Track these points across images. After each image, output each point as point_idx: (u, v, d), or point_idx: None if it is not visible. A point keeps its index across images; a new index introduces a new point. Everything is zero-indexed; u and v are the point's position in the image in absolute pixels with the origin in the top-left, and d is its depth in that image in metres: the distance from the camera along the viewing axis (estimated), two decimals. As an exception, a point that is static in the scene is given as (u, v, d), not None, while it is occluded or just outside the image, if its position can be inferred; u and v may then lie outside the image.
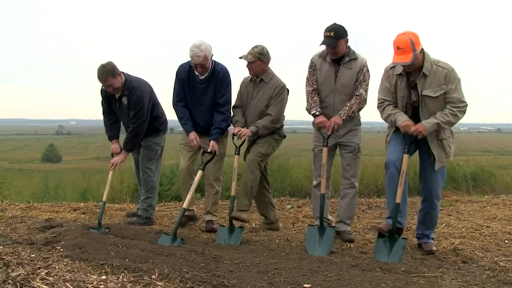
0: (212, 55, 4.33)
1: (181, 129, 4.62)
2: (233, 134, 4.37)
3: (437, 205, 3.89)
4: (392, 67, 3.77)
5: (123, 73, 4.53)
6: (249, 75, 4.46)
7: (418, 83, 3.66)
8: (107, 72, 4.39)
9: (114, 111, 4.72)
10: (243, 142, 4.40)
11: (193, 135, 4.40)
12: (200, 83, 4.39)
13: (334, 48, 4.00)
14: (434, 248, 3.83)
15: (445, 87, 3.59)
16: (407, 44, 3.48)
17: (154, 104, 4.68)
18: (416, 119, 3.70)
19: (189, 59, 4.33)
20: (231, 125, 4.54)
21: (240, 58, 4.35)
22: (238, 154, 4.37)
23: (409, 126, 3.61)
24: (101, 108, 4.80)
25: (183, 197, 4.60)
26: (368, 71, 4.12)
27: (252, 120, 4.40)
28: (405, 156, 3.65)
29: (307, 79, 4.25)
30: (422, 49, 3.60)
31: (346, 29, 4.04)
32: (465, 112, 3.65)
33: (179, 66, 4.50)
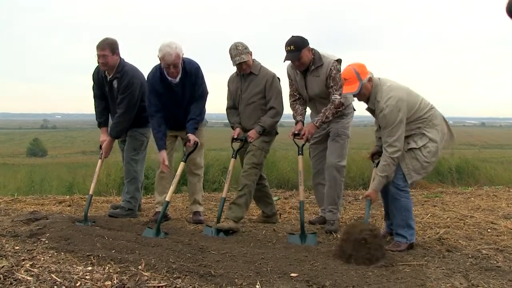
0: (183, 54, 4.15)
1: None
2: (234, 138, 4.33)
3: (399, 195, 3.63)
4: None
5: (121, 58, 4.47)
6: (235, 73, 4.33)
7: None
8: (108, 43, 4.37)
9: (105, 96, 4.66)
10: (241, 147, 4.35)
11: (164, 154, 4.24)
12: (176, 86, 4.23)
13: (299, 60, 3.97)
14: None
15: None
16: (352, 75, 3.56)
17: (144, 95, 4.55)
18: None
19: (152, 65, 4.25)
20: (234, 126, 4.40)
21: (235, 65, 4.15)
22: (235, 158, 4.35)
23: None
24: (92, 92, 4.75)
25: (157, 189, 4.60)
26: (337, 72, 4.00)
27: (246, 116, 4.29)
28: None
29: (289, 90, 4.32)
30: (370, 78, 3.58)
31: (305, 38, 3.99)
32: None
33: (149, 75, 4.27)
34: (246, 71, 4.21)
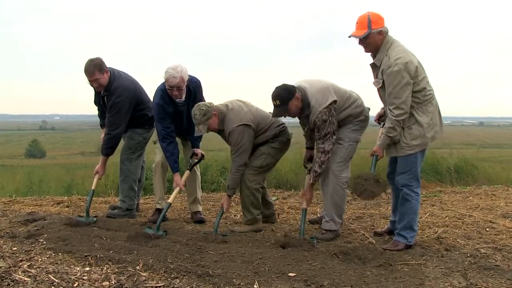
0: (187, 77, 4.18)
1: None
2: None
3: (411, 196, 3.65)
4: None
5: (110, 70, 4.44)
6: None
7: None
8: (95, 65, 4.30)
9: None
10: None
11: (178, 177, 4.25)
12: (182, 105, 4.30)
13: (287, 112, 3.81)
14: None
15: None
16: (364, 20, 3.49)
17: (138, 104, 4.58)
18: None
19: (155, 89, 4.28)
20: None
21: (201, 135, 4.14)
22: None
23: None
24: (93, 98, 4.74)
25: (155, 189, 4.64)
26: (323, 122, 3.75)
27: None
28: None
29: None
30: (382, 31, 3.48)
31: (292, 86, 3.78)
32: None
33: (157, 100, 4.23)
34: (214, 131, 4.15)
